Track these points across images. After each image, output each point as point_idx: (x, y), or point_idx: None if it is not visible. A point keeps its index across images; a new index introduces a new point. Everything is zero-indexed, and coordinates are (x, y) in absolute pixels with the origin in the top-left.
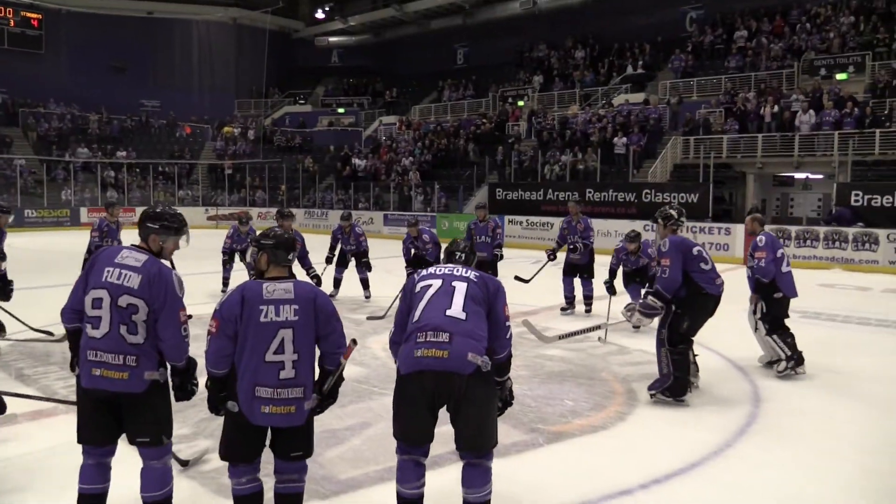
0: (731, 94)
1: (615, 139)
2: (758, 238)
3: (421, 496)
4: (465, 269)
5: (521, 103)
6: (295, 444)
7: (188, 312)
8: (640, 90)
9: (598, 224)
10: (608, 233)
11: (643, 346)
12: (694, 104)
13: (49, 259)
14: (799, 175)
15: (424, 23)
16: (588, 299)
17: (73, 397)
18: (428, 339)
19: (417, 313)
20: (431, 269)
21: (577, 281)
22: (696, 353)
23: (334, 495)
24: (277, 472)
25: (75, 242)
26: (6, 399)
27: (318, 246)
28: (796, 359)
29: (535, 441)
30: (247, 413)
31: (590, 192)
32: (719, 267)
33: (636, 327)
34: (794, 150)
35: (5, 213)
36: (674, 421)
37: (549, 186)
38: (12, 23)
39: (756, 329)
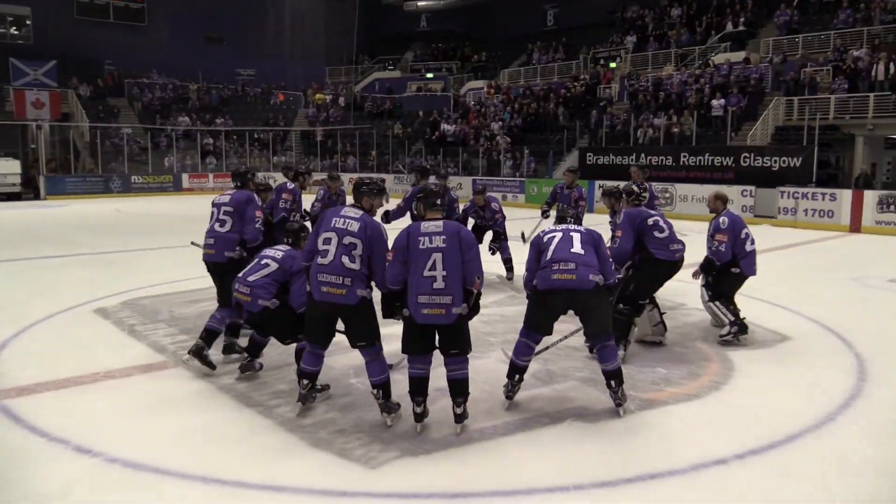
0: (840, 50)
1: (713, 101)
2: (720, 219)
3: (526, 367)
4: (575, 225)
5: (612, 65)
6: (453, 344)
7: None
8: (741, 48)
9: (692, 190)
10: (703, 199)
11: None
12: (799, 62)
13: (155, 222)
14: None
15: None
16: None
17: (180, 352)
18: (561, 268)
19: (549, 254)
20: (552, 227)
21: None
22: (663, 311)
23: (426, 454)
24: (446, 366)
25: (178, 207)
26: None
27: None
28: (739, 325)
29: (626, 407)
30: (414, 315)
31: (685, 157)
32: (823, 234)
33: None
34: None
35: (336, 180)
36: (773, 391)
37: (643, 151)
38: None
39: (701, 296)
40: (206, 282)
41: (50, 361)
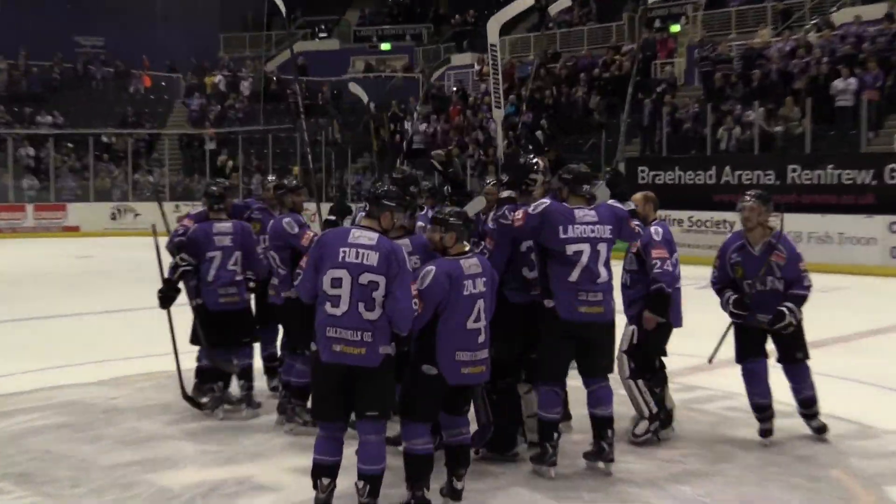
0: None
1: (836, 82)
2: (652, 230)
3: (557, 421)
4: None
5: (675, 28)
6: (470, 400)
7: None
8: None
9: (807, 222)
10: (827, 236)
11: None
12: None
13: None
14: None
15: None
16: None
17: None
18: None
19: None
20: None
21: None
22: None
23: None
24: (446, 428)
25: None
26: None
27: None
28: (662, 419)
29: None
30: (448, 374)
31: (794, 171)
32: None
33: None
34: None
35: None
36: None
37: (726, 162)
38: None
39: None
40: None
41: None
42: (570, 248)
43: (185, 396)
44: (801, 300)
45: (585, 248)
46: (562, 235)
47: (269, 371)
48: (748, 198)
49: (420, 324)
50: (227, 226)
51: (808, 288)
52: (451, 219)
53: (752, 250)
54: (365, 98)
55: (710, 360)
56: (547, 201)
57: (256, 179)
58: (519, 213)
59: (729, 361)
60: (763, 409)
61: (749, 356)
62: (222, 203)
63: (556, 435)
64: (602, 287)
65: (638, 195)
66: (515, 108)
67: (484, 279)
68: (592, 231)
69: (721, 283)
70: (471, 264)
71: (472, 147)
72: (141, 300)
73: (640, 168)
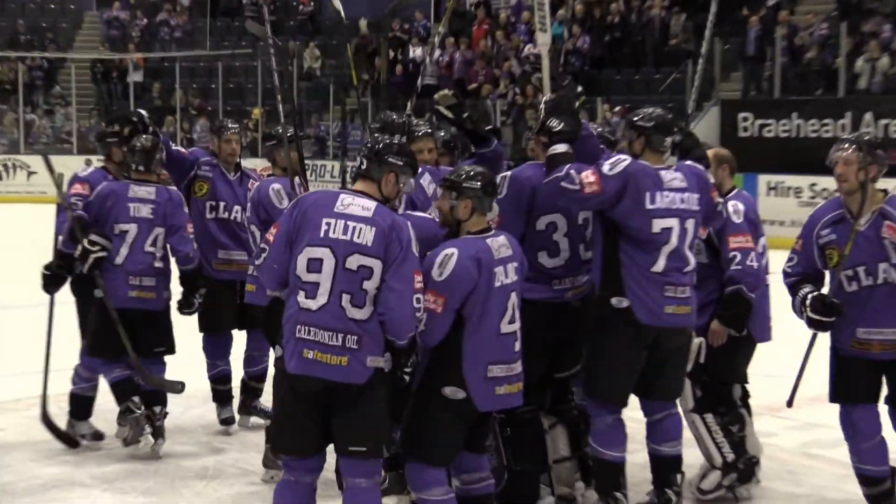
0: None
1: None
2: (730, 206)
3: (623, 463)
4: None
5: None
6: (488, 431)
7: None
8: None
9: None
10: None
11: None
12: None
13: None
14: None
15: None
16: None
17: None
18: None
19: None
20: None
21: None
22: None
23: None
24: (463, 472)
25: None
26: None
27: None
28: (741, 469)
29: None
30: (478, 399)
31: None
32: None
33: None
34: None
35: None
36: None
37: (867, 106)
38: None
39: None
40: None
41: None
42: (658, 224)
43: (48, 423)
44: None
45: (674, 224)
46: (648, 206)
47: (220, 397)
48: (845, 145)
49: (439, 332)
50: (148, 190)
51: None
52: (467, 182)
53: (853, 224)
54: (342, 13)
55: (789, 403)
56: (626, 158)
57: (201, 125)
58: (591, 175)
59: None
60: (872, 481)
61: (849, 397)
62: (150, 163)
63: (623, 481)
64: (689, 279)
65: (709, 152)
66: (564, 27)
67: (515, 264)
68: (682, 201)
69: (799, 275)
70: (500, 245)
71: (503, 84)
72: (38, 293)
73: (741, 115)
